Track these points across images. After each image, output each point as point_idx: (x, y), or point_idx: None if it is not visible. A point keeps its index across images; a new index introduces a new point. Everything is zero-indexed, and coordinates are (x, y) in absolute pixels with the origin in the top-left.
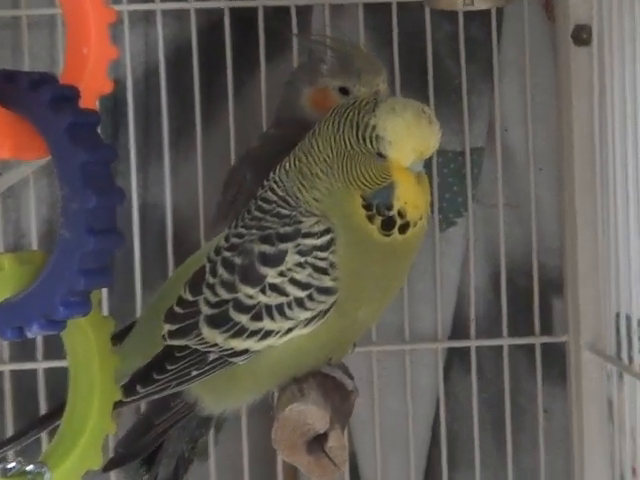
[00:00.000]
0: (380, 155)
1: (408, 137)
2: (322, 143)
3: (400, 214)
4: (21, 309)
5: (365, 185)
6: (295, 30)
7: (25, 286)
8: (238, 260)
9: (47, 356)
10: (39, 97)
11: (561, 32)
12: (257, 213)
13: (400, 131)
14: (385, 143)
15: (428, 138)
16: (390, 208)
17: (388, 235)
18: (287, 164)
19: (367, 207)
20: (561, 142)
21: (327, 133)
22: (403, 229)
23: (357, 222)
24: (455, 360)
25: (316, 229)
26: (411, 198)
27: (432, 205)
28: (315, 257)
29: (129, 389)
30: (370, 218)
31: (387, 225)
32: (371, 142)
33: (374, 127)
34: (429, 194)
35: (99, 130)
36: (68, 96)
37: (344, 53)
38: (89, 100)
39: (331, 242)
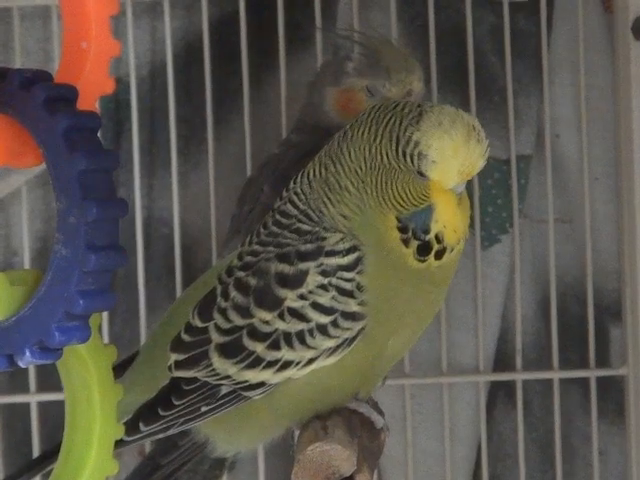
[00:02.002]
0: (421, 174)
1: (455, 159)
2: (354, 152)
3: (437, 239)
4: (12, 335)
5: (401, 205)
6: (319, 23)
7: (17, 309)
8: (253, 281)
9: (41, 388)
10: (32, 97)
11: (620, 25)
12: (274, 228)
13: (447, 151)
14: (428, 163)
15: (476, 160)
16: (427, 232)
17: (423, 261)
18: (311, 172)
19: (402, 229)
20: (619, 149)
21: (361, 141)
22: (439, 255)
23: (390, 244)
24: (499, 395)
25: (341, 247)
26: (450, 221)
27: (472, 220)
28: (340, 278)
29: (132, 427)
30: (405, 241)
31: (423, 250)
32: (412, 160)
33: (417, 143)
34: (469, 214)
35: (99, 135)
36: (65, 96)
37: (372, 49)
38: (88, 101)
39: (358, 261)
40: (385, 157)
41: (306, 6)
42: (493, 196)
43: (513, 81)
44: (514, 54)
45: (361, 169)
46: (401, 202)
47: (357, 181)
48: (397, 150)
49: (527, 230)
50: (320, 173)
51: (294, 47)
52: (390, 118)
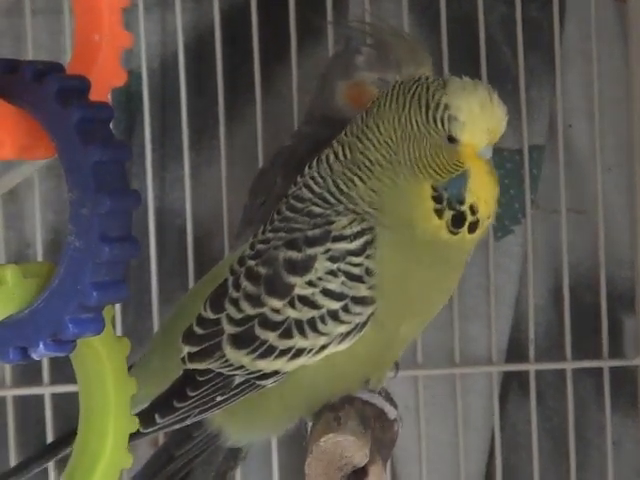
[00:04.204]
0: (451, 139)
1: (482, 118)
2: (383, 124)
3: (472, 209)
4: (25, 327)
5: (437, 173)
6: (330, 15)
7: (30, 302)
8: (263, 269)
9: (54, 380)
10: (44, 89)
11: (632, 14)
12: (288, 213)
13: (475, 111)
14: (459, 124)
15: (499, 119)
16: (462, 202)
17: (456, 233)
18: (330, 156)
19: (437, 199)
20: (632, 139)
21: (390, 113)
22: (472, 228)
23: (421, 216)
24: (512, 386)
25: (349, 231)
26: (483, 192)
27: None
28: (349, 263)
29: (147, 419)
30: (439, 212)
31: (457, 221)
32: (442, 123)
33: (447, 106)
34: (498, 190)
35: (111, 127)
36: (77, 88)
37: (383, 42)
38: (100, 93)
39: (366, 245)
40: (415, 125)
41: None
42: (506, 187)
43: (525, 71)
44: (526, 44)
45: (392, 140)
46: (436, 169)
47: (389, 153)
48: (427, 116)
49: (540, 220)
50: (344, 155)
51: (305, 39)
52: (417, 87)
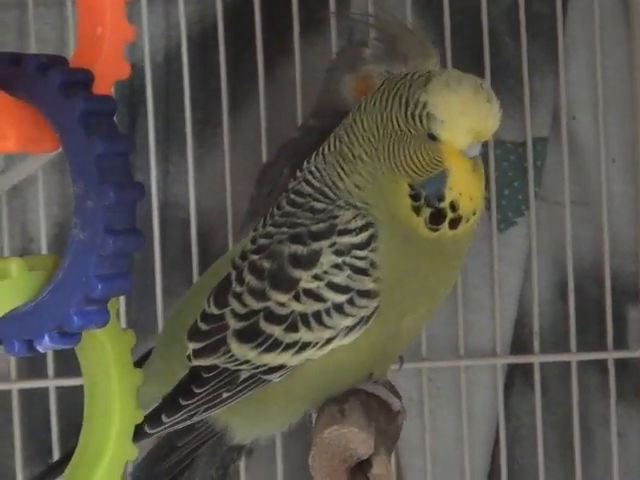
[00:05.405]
0: (431, 137)
1: (463, 116)
2: (367, 121)
3: (452, 206)
4: (31, 320)
5: (414, 171)
6: (333, 7)
7: (35, 294)
8: (267, 264)
9: (59, 373)
10: (48, 82)
11: (636, 6)
12: (289, 208)
13: (454, 109)
14: (437, 122)
15: (486, 117)
16: (441, 199)
17: (436, 230)
18: (325, 148)
19: (414, 197)
20: (636, 131)
21: (374, 110)
22: (454, 224)
23: (401, 213)
24: (517, 378)
25: (354, 225)
26: (466, 188)
27: (489, 202)
28: (354, 256)
29: (153, 419)
30: (417, 209)
31: (436, 218)
32: (421, 121)
33: (425, 104)
34: (484, 185)
35: (115, 120)
36: (81, 80)
37: (389, 34)
38: (104, 86)
39: (371, 239)
40: (396, 122)
41: None
42: (509, 179)
43: (528, 63)
44: (529, 35)
45: (374, 137)
46: (414, 167)
47: (370, 149)
48: (406, 113)
49: (544, 213)
50: (335, 146)
51: (309, 31)
52: (401, 85)
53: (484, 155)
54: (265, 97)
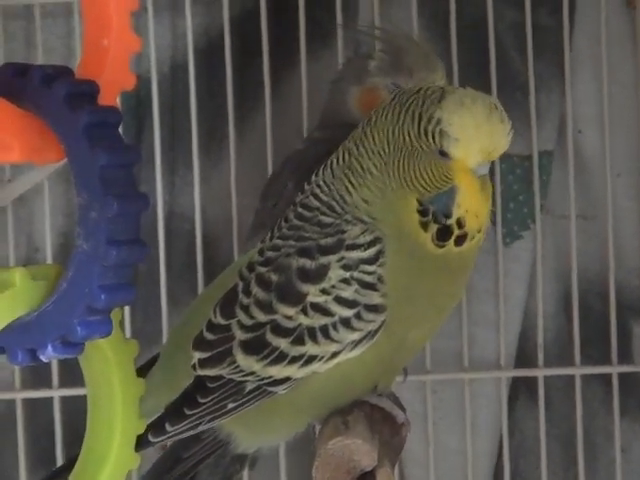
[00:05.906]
0: (443, 154)
1: (477, 135)
2: (378, 134)
3: (459, 223)
4: (34, 330)
5: (423, 187)
6: (340, 19)
7: (39, 304)
8: (274, 277)
9: (63, 383)
10: (54, 93)
11: None
12: (296, 221)
13: (468, 128)
14: (450, 140)
15: (498, 138)
16: (449, 216)
17: (442, 246)
18: (334, 161)
19: (422, 212)
20: None
21: (385, 123)
22: (459, 241)
23: (409, 229)
24: (521, 391)
25: (362, 240)
26: (473, 206)
27: (494, 216)
28: (362, 271)
29: (157, 427)
30: (424, 225)
31: (442, 235)
32: (434, 138)
33: (439, 121)
34: (490, 202)
35: (120, 131)
36: (86, 92)
37: (395, 47)
38: (109, 97)
39: (379, 254)
40: (407, 137)
41: (327, 2)
42: (515, 192)
43: (535, 77)
44: (536, 50)
45: (384, 151)
46: (423, 184)
47: (380, 163)
48: (419, 129)
49: (549, 226)
50: (344, 159)
51: (315, 43)
52: (414, 100)
53: (490, 169)
54: (271, 109)
